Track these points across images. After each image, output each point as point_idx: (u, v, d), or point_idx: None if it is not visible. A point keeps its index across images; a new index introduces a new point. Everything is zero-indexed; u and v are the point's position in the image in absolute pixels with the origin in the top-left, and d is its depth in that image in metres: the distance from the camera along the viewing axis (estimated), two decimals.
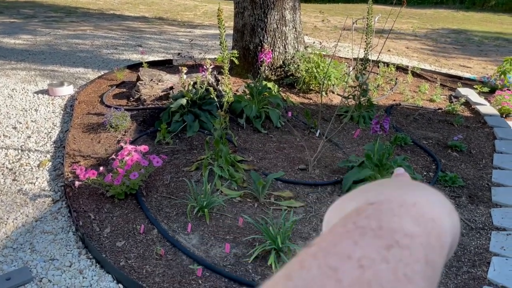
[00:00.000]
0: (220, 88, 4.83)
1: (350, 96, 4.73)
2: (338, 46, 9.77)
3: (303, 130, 4.44)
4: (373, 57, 8.61)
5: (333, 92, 5.38)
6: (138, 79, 5.04)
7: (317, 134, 4.33)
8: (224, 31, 3.17)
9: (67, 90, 5.19)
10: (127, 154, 3.11)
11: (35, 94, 5.24)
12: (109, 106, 4.60)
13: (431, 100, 5.72)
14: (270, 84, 4.99)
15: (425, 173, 3.87)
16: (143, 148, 3.25)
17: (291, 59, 5.42)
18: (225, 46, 3.21)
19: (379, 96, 5.64)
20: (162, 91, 4.73)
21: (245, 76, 5.55)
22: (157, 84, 4.83)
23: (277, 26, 5.35)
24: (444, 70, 7.97)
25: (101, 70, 6.35)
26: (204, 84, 4.28)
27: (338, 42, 5.36)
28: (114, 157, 3.21)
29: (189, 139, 3.99)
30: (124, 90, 5.14)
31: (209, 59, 6.05)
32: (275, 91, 4.92)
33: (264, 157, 3.76)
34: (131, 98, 4.76)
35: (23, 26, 9.58)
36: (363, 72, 4.54)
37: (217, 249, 2.74)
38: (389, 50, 9.98)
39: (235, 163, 3.48)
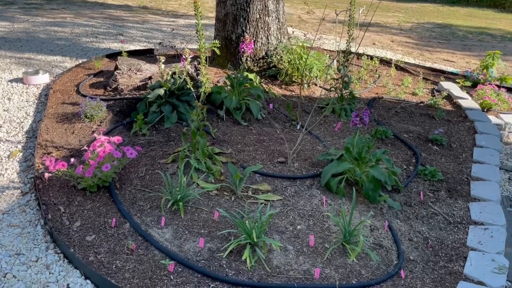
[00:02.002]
0: (200, 78, 4.72)
1: (332, 89, 4.67)
2: (323, 38, 9.72)
3: (284, 122, 4.37)
4: (356, 49, 8.59)
5: (315, 84, 5.32)
6: (116, 68, 4.91)
7: (298, 127, 4.26)
8: (201, 20, 3.08)
9: (43, 79, 5.03)
10: (99, 145, 3.01)
11: (9, 83, 5.08)
12: (85, 96, 4.47)
13: (414, 94, 5.70)
14: (251, 76, 4.91)
15: (405, 167, 3.84)
16: (117, 139, 3.15)
17: (274, 50, 5.34)
18: (202, 35, 3.12)
19: (362, 89, 5.60)
20: (140, 81, 4.61)
21: (227, 67, 5.43)
22: (136, 73, 4.71)
23: (260, 16, 5.26)
24: (428, 64, 7.97)
25: (79, 59, 6.19)
26: (183, 74, 4.18)
27: (317, 33, 5.27)
28: (86, 148, 3.11)
29: (167, 130, 3.89)
30: (102, 79, 5.01)
31: (190, 49, 5.93)
32: (257, 82, 4.84)
33: (243, 150, 3.68)
34: (108, 88, 4.63)
35: (0, 13, 9.31)
36: (345, 64, 4.48)
37: (191, 243, 2.66)
38: (374, 43, 9.95)
39: (212, 155, 3.40)
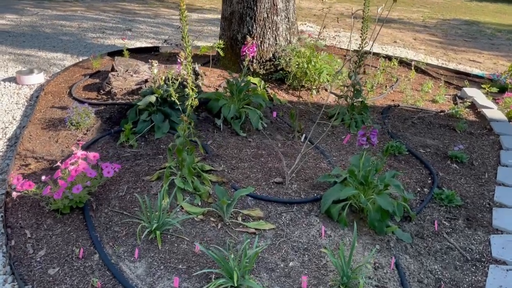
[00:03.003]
0: (199, 83, 4.39)
1: (343, 96, 4.27)
2: (340, 36, 9.26)
3: (287, 133, 4.00)
4: (374, 49, 8.11)
5: (326, 90, 4.92)
6: (113, 69, 4.62)
7: (302, 139, 3.89)
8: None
9: (37, 79, 4.78)
10: (72, 163, 2.71)
11: (2, 82, 4.84)
12: (77, 99, 4.19)
13: (434, 101, 5.25)
14: (255, 80, 4.56)
15: (418, 189, 3.44)
16: (93, 155, 2.84)
17: (282, 51, 4.96)
18: (188, 42, 2.77)
19: (377, 95, 5.18)
20: (136, 84, 4.30)
21: (232, 69, 5.10)
22: (132, 76, 4.40)
23: (267, 15, 4.88)
24: (452, 65, 7.46)
25: (80, 56, 5.93)
26: (177, 79, 3.85)
27: (322, 28, 4.84)
28: (60, 164, 2.81)
29: (157, 141, 3.58)
30: (97, 80, 4.72)
31: (197, 47, 5.60)
32: (261, 88, 4.48)
33: (238, 166, 3.34)
34: (101, 91, 4.34)
35: (11, 5, 9.15)
36: (357, 71, 4.07)
37: (165, 281, 2.34)
38: (395, 41, 9.45)
39: (201, 173, 3.07)
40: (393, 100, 5.10)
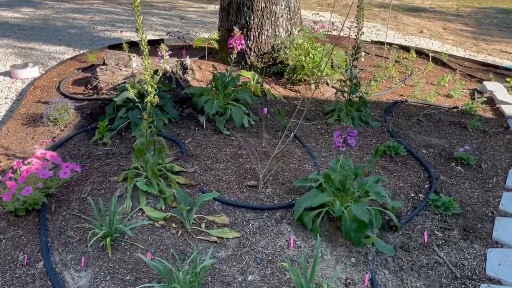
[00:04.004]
0: (188, 77, 4.19)
1: (341, 91, 3.96)
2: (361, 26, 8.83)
3: (276, 131, 3.75)
4: (396, 39, 7.66)
5: (327, 84, 4.61)
6: (104, 63, 4.48)
7: (291, 138, 3.63)
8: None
9: (31, 73, 4.71)
10: (25, 163, 2.57)
11: None
12: (63, 94, 4.08)
13: (449, 96, 4.85)
14: (248, 74, 4.32)
15: (412, 195, 3.12)
16: (50, 155, 2.69)
17: (282, 43, 4.68)
18: (142, 34, 2.56)
19: (384, 90, 4.82)
20: (124, 78, 4.15)
21: (229, 63, 4.87)
22: (121, 70, 4.25)
23: (265, 5, 4.61)
24: (480, 57, 6.95)
25: (82, 50, 5.85)
26: (159, 73, 3.66)
27: (329, 16, 4.50)
28: (15, 164, 2.68)
29: (133, 139, 3.40)
30: (89, 74, 4.60)
31: (205, 39, 5.40)
32: (254, 82, 4.23)
33: (212, 167, 3.12)
34: (88, 86, 4.21)
35: None
36: (354, 64, 3.75)
37: None
38: (421, 31, 8.95)
39: (168, 175, 2.87)
40: (401, 95, 4.74)
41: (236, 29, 3.63)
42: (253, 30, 4.64)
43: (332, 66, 4.33)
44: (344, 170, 2.64)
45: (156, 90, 2.63)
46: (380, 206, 2.77)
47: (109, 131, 3.37)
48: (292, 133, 3.62)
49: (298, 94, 4.42)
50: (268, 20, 4.64)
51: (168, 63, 4.31)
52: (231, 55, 3.72)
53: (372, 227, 2.57)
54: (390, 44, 6.71)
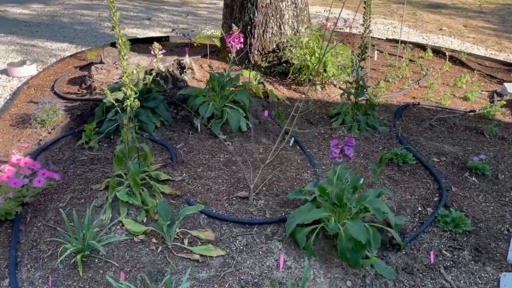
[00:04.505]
0: (186, 77, 3.98)
1: (347, 93, 3.70)
2: (378, 23, 8.50)
3: (276, 136, 3.52)
4: (413, 37, 7.33)
5: (334, 85, 4.35)
6: (101, 61, 4.31)
7: (291, 143, 3.39)
8: (116, 11, 2.31)
9: (28, 71, 4.57)
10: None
11: None
12: (56, 94, 3.92)
13: (465, 98, 4.53)
14: (251, 74, 4.08)
15: (420, 209, 2.85)
16: (24, 162, 2.51)
17: (287, 42, 4.43)
18: (119, 32, 2.35)
19: (396, 91, 4.53)
20: (119, 78, 3.97)
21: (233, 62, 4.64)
22: (117, 68, 4.08)
23: (270, 2, 4.37)
24: (502, 56, 6.57)
25: (85, 47, 5.70)
26: (151, 73, 3.47)
27: (337, 12, 4.17)
28: None
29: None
30: (85, 73, 4.43)
31: (209, 36, 5.20)
32: (256, 82, 4.00)
33: (202, 176, 2.91)
34: (83, 85, 4.04)
35: None
36: (360, 65, 3.49)
37: None
38: (441, 29, 8.57)
39: (152, 185, 2.66)
40: (414, 97, 4.45)
41: (234, 27, 3.40)
42: (257, 27, 4.41)
43: (338, 66, 4.06)
44: (342, 183, 2.39)
45: (136, 93, 2.43)
46: (381, 222, 2.51)
47: (97, 134, 3.19)
48: (292, 139, 3.39)
49: (303, 96, 4.17)
50: (273, 17, 4.40)
51: (166, 62, 4.12)
52: (229, 54, 3.49)
53: (371, 248, 2.32)
54: (406, 42, 6.39)
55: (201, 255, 2.30)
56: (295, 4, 4.48)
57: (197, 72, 4.23)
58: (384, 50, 6.05)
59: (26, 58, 5.10)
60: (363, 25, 3.35)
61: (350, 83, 3.58)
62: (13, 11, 7.54)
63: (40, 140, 3.26)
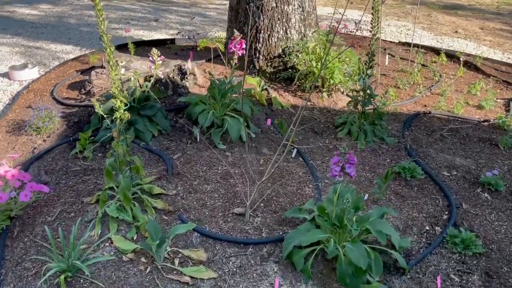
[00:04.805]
0: (187, 83, 3.86)
1: (353, 101, 3.54)
2: (391, 25, 8.30)
3: (278, 146, 3.37)
4: (427, 40, 7.11)
5: (342, 92, 4.19)
6: (102, 65, 4.21)
7: (293, 155, 3.25)
8: (103, 19, 2.19)
9: (29, 74, 4.50)
10: None
11: None
12: (55, 99, 3.84)
13: (479, 107, 4.34)
14: (254, 80, 3.95)
15: (427, 228, 2.69)
16: (12, 175, 2.41)
17: (294, 47, 4.28)
18: (108, 41, 2.23)
19: (406, 99, 4.36)
20: (122, 83, 3.85)
21: (238, 67, 4.51)
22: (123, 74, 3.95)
23: (276, 5, 4.22)
24: None
25: (90, 49, 5.62)
26: (150, 80, 3.35)
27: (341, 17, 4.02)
28: None
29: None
30: (86, 77, 4.34)
31: (208, 39, 5.07)
32: (259, 89, 3.87)
33: (197, 189, 2.78)
34: (82, 90, 3.95)
35: None
36: (367, 73, 3.32)
37: None
38: (456, 31, 8.34)
39: (144, 199, 2.55)
40: (425, 106, 4.27)
41: (236, 33, 3.27)
42: (262, 31, 4.27)
43: (345, 74, 3.91)
44: (343, 203, 2.25)
45: (126, 105, 2.31)
46: (385, 244, 2.36)
47: (92, 143, 3.08)
48: (295, 150, 3.25)
49: (309, 103, 4.02)
50: (279, 21, 4.26)
51: (169, 66, 4.00)
52: (231, 61, 3.36)
53: (373, 275, 2.17)
54: (418, 46, 6.20)
55: (191, 277, 2.18)
56: (302, 7, 4.33)
57: (200, 78, 4.11)
58: (396, 54, 5.86)
59: (29, 60, 5.03)
60: (370, 31, 3.18)
61: (356, 91, 3.42)
62: (22, 11, 7.51)
63: (35, 148, 3.17)
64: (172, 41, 5.76)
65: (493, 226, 2.76)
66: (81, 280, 2.16)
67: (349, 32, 6.47)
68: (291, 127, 2.31)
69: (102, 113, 2.36)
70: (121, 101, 2.27)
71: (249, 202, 2.46)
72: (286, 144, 3.29)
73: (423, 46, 6.33)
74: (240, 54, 3.34)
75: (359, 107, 3.48)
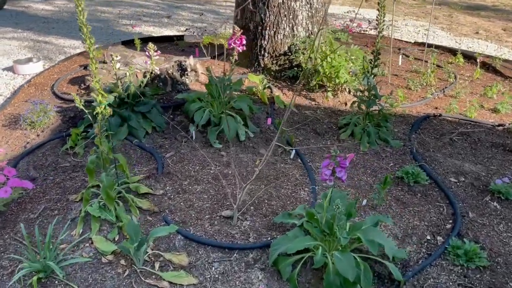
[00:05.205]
0: (187, 80, 3.76)
1: (357, 102, 3.38)
2: (409, 25, 8.07)
3: (278, 146, 3.24)
4: (445, 41, 6.87)
5: (349, 92, 4.03)
6: (104, 60, 4.15)
7: (292, 156, 3.11)
8: (83, 11, 2.10)
9: (33, 68, 4.47)
10: None
11: (3, 71, 4.60)
12: (55, 94, 3.79)
13: (495, 110, 4.12)
14: (256, 78, 3.83)
15: (428, 237, 2.52)
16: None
17: (300, 44, 4.14)
18: (88, 39, 2.14)
19: (416, 100, 4.17)
20: (118, 78, 3.77)
21: (243, 64, 4.41)
22: (118, 68, 3.88)
23: (283, 1, 4.09)
24: None
25: (98, 44, 5.56)
26: (146, 76, 3.26)
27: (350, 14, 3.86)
28: None
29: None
30: (88, 72, 4.28)
31: (212, 36, 4.98)
32: (262, 87, 3.74)
33: (187, 190, 2.67)
34: (82, 85, 3.89)
35: None
36: (371, 72, 3.16)
37: None
38: (477, 32, 8.06)
39: (128, 198, 2.45)
40: (436, 108, 4.07)
41: (236, 28, 3.15)
42: (268, 28, 4.14)
43: (349, 73, 3.75)
44: (331, 208, 2.10)
45: (108, 101, 2.21)
46: (380, 255, 2.21)
47: (84, 139, 3.00)
48: (293, 151, 3.11)
49: (313, 103, 3.88)
50: (285, 18, 4.12)
51: (170, 63, 3.91)
52: (230, 57, 3.25)
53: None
54: (432, 46, 5.98)
55: (170, 283, 2.07)
56: (310, 4, 4.19)
57: (202, 75, 4.00)
58: (410, 54, 5.66)
59: (37, 55, 5.01)
60: (376, 28, 3.03)
61: (361, 91, 3.27)
62: (36, 7, 7.54)
63: (27, 143, 3.11)
64: (181, 37, 5.69)
65: (501, 237, 2.58)
66: (56, 282, 2.07)
67: (362, 31, 6.29)
68: (281, 126, 2.17)
69: (82, 107, 2.26)
70: (102, 95, 2.17)
71: (237, 205, 2.34)
72: (289, 144, 3.17)
73: (439, 47, 6.11)
74: (240, 50, 3.21)
75: (364, 107, 3.32)
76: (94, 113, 2.21)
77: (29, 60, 4.57)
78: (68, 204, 2.53)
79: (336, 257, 1.98)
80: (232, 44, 3.20)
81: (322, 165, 2.04)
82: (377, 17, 3.01)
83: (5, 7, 7.13)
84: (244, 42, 3.22)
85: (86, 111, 2.30)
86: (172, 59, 4.10)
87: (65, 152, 2.97)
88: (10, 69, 4.59)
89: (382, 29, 3.00)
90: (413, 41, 6.50)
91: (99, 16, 7.07)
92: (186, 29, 5.73)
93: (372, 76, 3.17)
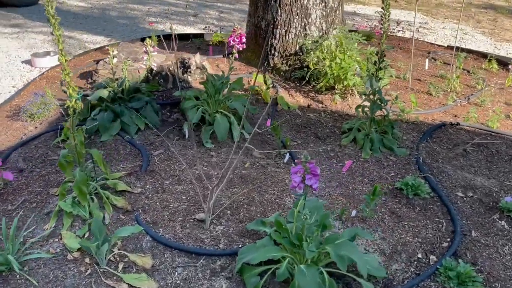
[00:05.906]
0: (189, 77, 3.68)
1: (362, 106, 3.19)
2: (446, 28, 7.68)
3: (273, 149, 3.11)
4: (484, 45, 6.47)
5: (360, 96, 3.83)
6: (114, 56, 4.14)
7: (285, 160, 2.97)
8: (52, 8, 2.05)
9: (50, 62, 4.54)
10: None
11: (22, 63, 4.71)
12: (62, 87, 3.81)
13: None
14: (261, 77, 3.70)
15: (419, 256, 2.32)
16: None
17: (313, 44, 3.98)
18: (61, 43, 2.09)
19: (434, 107, 3.91)
20: (114, 73, 3.76)
21: (253, 63, 4.30)
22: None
23: None
24: None
25: (119, 40, 5.62)
26: (151, 71, 3.22)
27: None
28: None
29: (100, 144, 2.99)
30: (97, 67, 4.30)
31: (222, 34, 4.90)
32: (265, 87, 3.62)
33: (166, 189, 2.59)
34: (89, 79, 3.90)
35: None
36: (377, 74, 2.97)
37: None
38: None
39: (103, 196, 2.39)
40: (455, 116, 3.80)
41: (237, 26, 3.04)
42: (279, 27, 4.00)
43: (355, 75, 3.55)
44: (300, 217, 1.95)
45: (78, 94, 2.16)
46: (352, 271, 2.03)
47: None
48: (287, 154, 2.97)
49: (320, 105, 3.71)
50: (297, 16, 3.97)
51: (173, 60, 3.85)
52: (230, 55, 3.14)
53: None
54: (470, 51, 5.65)
55: (129, 285, 1.99)
56: (325, 3, 4.01)
57: (210, 72, 3.92)
58: (440, 58, 5.36)
59: (57, 49, 5.10)
60: (380, 28, 2.83)
61: (366, 95, 3.08)
62: (70, 3, 7.73)
63: (24, 134, 3.13)
64: (201, 35, 5.64)
65: (503, 260, 2.34)
66: (17, 276, 2.03)
67: (390, 33, 6.02)
68: (294, 132, 2.04)
69: (53, 100, 2.22)
70: (73, 89, 2.12)
71: (207, 208, 2.22)
72: (285, 147, 3.03)
73: (472, 51, 5.76)
74: (240, 49, 3.11)
75: (368, 112, 3.13)
76: (65, 106, 2.16)
77: (47, 53, 4.65)
78: (48, 198, 2.51)
79: (300, 271, 1.82)
80: (231, 41, 3.11)
81: (291, 171, 1.90)
82: (381, 16, 2.82)
83: (40, 2, 7.34)
84: (244, 40, 3.12)
85: (58, 104, 2.25)
86: (181, 56, 4.05)
87: (57, 145, 2.96)
88: (29, 62, 4.69)
89: (387, 29, 2.80)
90: (446, 45, 6.17)
91: (128, 14, 7.16)
92: (205, 27, 5.68)
93: (378, 79, 2.97)
